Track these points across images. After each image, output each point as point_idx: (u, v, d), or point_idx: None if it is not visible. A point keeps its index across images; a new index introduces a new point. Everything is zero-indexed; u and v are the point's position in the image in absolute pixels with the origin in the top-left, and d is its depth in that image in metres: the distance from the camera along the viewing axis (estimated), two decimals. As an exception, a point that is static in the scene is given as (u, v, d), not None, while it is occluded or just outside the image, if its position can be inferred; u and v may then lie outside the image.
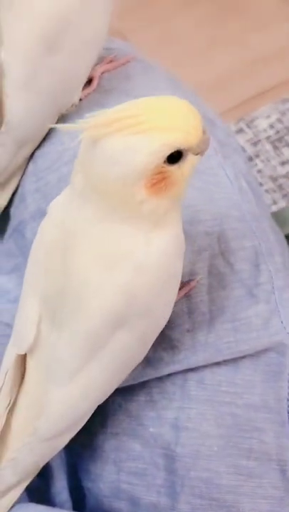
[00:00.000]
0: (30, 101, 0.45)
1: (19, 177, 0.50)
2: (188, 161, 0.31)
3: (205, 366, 0.41)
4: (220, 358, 0.40)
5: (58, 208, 0.35)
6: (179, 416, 0.40)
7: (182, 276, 0.41)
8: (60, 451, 0.39)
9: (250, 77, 1.14)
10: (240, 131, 1.04)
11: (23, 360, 0.37)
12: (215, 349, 0.40)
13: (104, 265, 0.32)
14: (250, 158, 0.99)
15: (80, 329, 0.34)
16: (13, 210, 0.51)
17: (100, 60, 0.49)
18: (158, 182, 0.30)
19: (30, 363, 0.37)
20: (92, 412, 0.38)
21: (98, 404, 0.38)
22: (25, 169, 0.50)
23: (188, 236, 0.42)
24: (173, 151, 0.30)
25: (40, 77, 0.44)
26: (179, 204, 0.34)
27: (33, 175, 0.49)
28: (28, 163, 0.49)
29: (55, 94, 0.46)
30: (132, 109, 0.30)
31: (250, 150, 1.01)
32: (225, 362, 0.41)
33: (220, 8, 1.36)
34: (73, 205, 0.33)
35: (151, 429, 0.41)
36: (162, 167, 0.30)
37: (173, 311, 0.41)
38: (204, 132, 0.31)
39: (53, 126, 0.32)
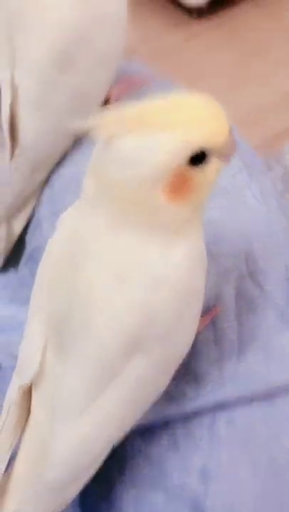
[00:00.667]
0: (43, 123, 0.44)
1: (34, 203, 0.48)
2: (213, 165, 0.28)
3: (235, 403, 0.36)
4: (251, 392, 0.35)
5: (67, 220, 0.31)
6: (207, 462, 0.35)
7: (207, 300, 0.37)
8: (72, 502, 0.34)
9: (275, 115, 1.13)
10: (269, 168, 1.01)
11: (28, 393, 0.33)
12: (245, 381, 0.35)
13: (116, 278, 0.28)
14: (282, 194, 0.96)
15: (89, 354, 0.29)
16: (28, 238, 0.48)
17: (117, 82, 0.47)
18: (179, 186, 0.27)
19: (35, 397, 0.32)
20: (107, 454, 0.33)
21: (113, 445, 0.33)
22: (40, 195, 0.48)
23: (213, 256, 0.38)
24: (197, 150, 0.26)
25: (53, 98, 0.43)
26: (201, 214, 0.30)
27: (49, 199, 0.47)
28: (43, 188, 0.47)
29: (68, 116, 0.44)
30: (151, 106, 0.27)
31: (281, 187, 0.98)
32: (258, 398, 0.36)
33: (242, 52, 1.39)
34: (83, 214, 0.30)
35: (175, 478, 0.36)
36: (184, 169, 0.26)
37: (197, 340, 0.36)
38: (230, 133, 0.28)
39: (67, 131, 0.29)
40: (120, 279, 0.28)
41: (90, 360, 0.30)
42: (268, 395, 0.35)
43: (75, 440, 0.31)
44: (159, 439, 0.37)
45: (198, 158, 0.26)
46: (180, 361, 0.33)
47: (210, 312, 0.37)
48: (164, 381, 0.32)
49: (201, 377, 0.36)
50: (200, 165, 0.27)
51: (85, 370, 0.30)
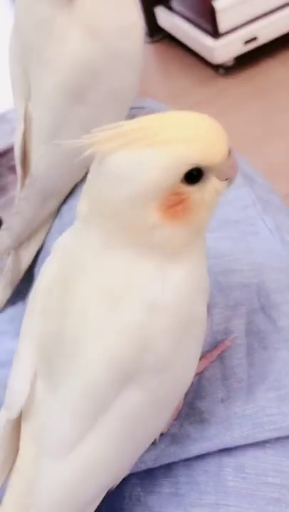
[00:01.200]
0: (54, 154, 0.44)
1: (44, 234, 0.47)
2: (211, 185, 0.26)
3: (245, 449, 0.32)
4: (262, 436, 0.31)
5: (60, 243, 0.30)
6: None
7: (214, 335, 0.35)
8: None
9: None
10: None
11: (19, 426, 0.30)
12: (255, 424, 0.32)
13: (108, 301, 0.26)
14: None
15: (78, 384, 0.27)
16: (37, 270, 0.47)
17: (131, 118, 0.47)
18: (174, 205, 0.25)
19: (24, 431, 0.29)
20: (99, 500, 0.30)
21: (106, 489, 0.29)
22: (50, 226, 0.47)
23: (222, 289, 0.36)
24: (191, 167, 0.25)
25: (64, 130, 0.43)
26: (202, 239, 0.28)
27: (58, 231, 0.46)
28: (53, 220, 0.47)
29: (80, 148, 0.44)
30: (144, 122, 0.26)
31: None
32: (271, 443, 0.32)
33: (267, 107, 1.42)
34: (76, 236, 0.28)
35: None
36: (179, 187, 0.25)
37: (203, 377, 0.34)
38: (230, 153, 0.26)
39: (54, 144, 0.28)
40: (113, 303, 0.26)
41: (78, 390, 0.27)
42: (281, 439, 0.32)
43: (61, 484, 0.28)
44: (160, 487, 0.33)
45: (194, 176, 0.25)
46: (179, 398, 0.30)
47: (217, 347, 0.35)
48: (160, 420, 0.29)
49: (206, 418, 0.33)
50: (196, 183, 0.25)
51: (73, 401, 0.27)
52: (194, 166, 0.25)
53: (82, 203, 0.28)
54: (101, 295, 0.27)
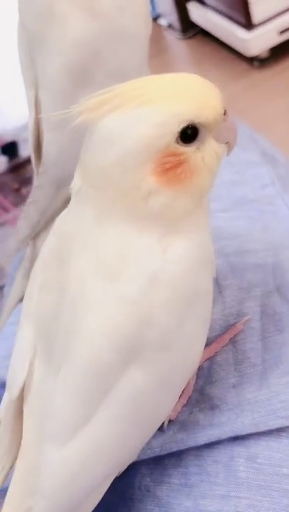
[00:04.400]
0: (64, 139, 0.43)
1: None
2: (210, 146, 0.24)
3: (257, 438, 0.30)
4: (275, 424, 0.29)
5: (58, 221, 0.29)
6: (223, 508, 0.29)
7: (227, 318, 0.33)
8: None
9: None
10: None
11: (21, 408, 0.29)
12: (267, 410, 0.30)
13: (107, 275, 0.25)
14: None
15: (79, 363, 0.26)
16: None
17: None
18: (171, 168, 0.23)
19: (26, 414, 0.28)
20: (106, 487, 0.28)
21: (113, 475, 0.28)
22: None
23: (235, 270, 0.34)
24: (186, 124, 0.23)
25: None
26: (204, 207, 0.27)
27: None
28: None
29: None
30: (133, 83, 0.24)
31: None
32: (286, 432, 0.30)
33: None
34: (72, 212, 0.27)
35: None
36: (174, 147, 0.23)
37: (214, 362, 0.32)
38: (226, 114, 0.25)
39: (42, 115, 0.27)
40: (111, 277, 0.25)
41: (79, 370, 0.26)
42: None
43: (65, 469, 0.26)
44: (170, 477, 0.32)
45: (189, 136, 0.23)
46: (185, 379, 0.28)
47: (229, 331, 0.33)
48: (166, 402, 0.28)
49: (216, 404, 0.31)
50: (193, 143, 0.24)
51: (75, 382, 0.26)
52: (189, 123, 0.23)
53: (75, 177, 0.27)
54: (99, 270, 0.25)
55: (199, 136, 0.24)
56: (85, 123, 0.25)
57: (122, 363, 0.25)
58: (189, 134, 0.23)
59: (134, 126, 0.23)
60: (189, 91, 0.24)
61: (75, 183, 0.26)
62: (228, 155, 0.26)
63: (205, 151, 0.24)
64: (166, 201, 0.24)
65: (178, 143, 0.23)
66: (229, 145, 0.26)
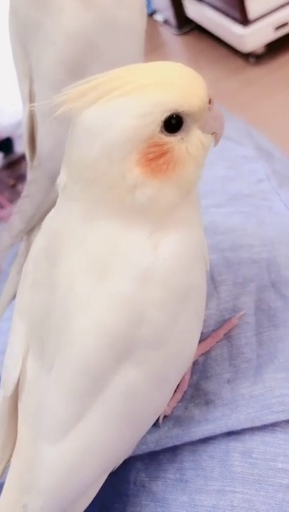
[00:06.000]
0: (57, 133, 0.42)
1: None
2: (195, 136, 0.24)
3: (252, 433, 0.30)
4: (270, 418, 0.29)
5: (48, 218, 0.28)
6: (218, 503, 0.29)
7: (221, 313, 0.33)
8: None
9: None
10: None
11: (16, 405, 0.29)
12: (262, 405, 0.30)
13: (96, 272, 0.25)
14: None
15: (71, 361, 0.25)
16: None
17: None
18: (156, 158, 0.23)
19: (20, 411, 0.28)
20: (101, 482, 0.28)
21: (107, 471, 0.28)
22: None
23: (230, 265, 0.34)
24: (169, 113, 0.23)
25: None
26: (193, 200, 0.26)
27: None
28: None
29: None
30: (115, 72, 0.24)
31: None
32: (280, 427, 0.30)
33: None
34: (59, 209, 0.27)
35: None
36: (159, 137, 0.23)
37: (209, 357, 0.32)
38: (211, 103, 0.24)
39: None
40: (102, 275, 0.25)
41: (72, 368, 0.25)
42: None
43: (60, 466, 0.26)
44: (165, 472, 0.32)
45: (173, 126, 0.23)
46: (180, 375, 0.28)
47: (224, 326, 0.33)
48: (160, 398, 0.28)
49: (211, 399, 0.31)
50: (177, 133, 0.23)
51: (68, 380, 0.26)
52: (172, 112, 0.23)
53: (61, 173, 0.26)
54: (89, 267, 0.25)
55: (184, 126, 0.23)
56: (69, 114, 0.24)
57: (114, 361, 0.25)
58: (173, 124, 0.23)
59: (117, 116, 0.23)
60: (172, 79, 0.23)
61: (61, 179, 0.26)
62: (215, 146, 0.26)
63: (190, 142, 0.24)
64: (151, 193, 0.23)
65: (162, 133, 0.23)
66: (216, 135, 0.25)
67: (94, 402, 0.25)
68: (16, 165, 1.44)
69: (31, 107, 0.43)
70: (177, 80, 0.23)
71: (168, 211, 0.24)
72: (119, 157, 0.23)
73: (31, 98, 0.43)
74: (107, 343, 0.25)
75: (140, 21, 0.41)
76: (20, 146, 1.40)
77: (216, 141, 0.25)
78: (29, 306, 0.28)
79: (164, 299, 0.25)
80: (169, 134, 0.23)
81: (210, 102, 0.24)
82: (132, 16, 0.40)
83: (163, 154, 0.23)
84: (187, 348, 0.27)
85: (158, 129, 0.23)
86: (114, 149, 0.23)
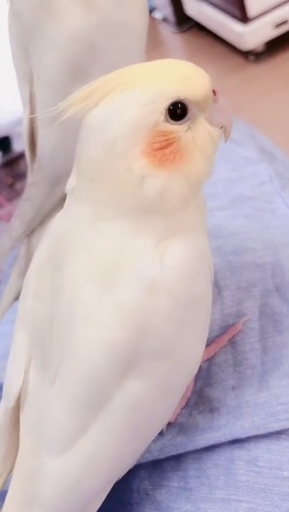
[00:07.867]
0: (58, 136, 0.42)
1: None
2: (202, 126, 0.24)
3: (257, 440, 0.30)
4: (275, 426, 0.29)
5: (53, 223, 0.28)
6: None
7: (225, 318, 0.32)
8: None
9: None
10: None
11: (18, 417, 0.28)
12: (267, 413, 0.29)
13: (101, 281, 0.24)
14: None
15: (75, 372, 0.25)
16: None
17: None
18: (162, 148, 0.22)
19: (22, 423, 0.28)
20: (106, 493, 0.28)
21: (111, 483, 0.28)
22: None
23: (234, 269, 0.34)
24: (172, 100, 0.22)
25: None
26: (200, 203, 0.26)
27: None
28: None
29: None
30: (117, 72, 0.24)
31: None
32: (286, 434, 0.29)
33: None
34: (67, 213, 0.26)
35: None
36: (164, 126, 0.22)
37: (213, 363, 0.31)
38: (216, 94, 0.24)
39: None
40: (107, 284, 0.24)
41: (77, 379, 0.25)
42: None
43: (63, 480, 0.26)
44: (169, 481, 0.31)
45: (178, 114, 0.23)
46: (185, 385, 0.28)
47: (228, 332, 0.32)
48: (165, 409, 0.27)
49: (215, 407, 0.31)
50: (182, 120, 0.23)
51: (73, 392, 0.25)
52: (175, 100, 0.23)
53: (71, 176, 0.26)
54: (93, 274, 0.24)
55: (189, 115, 0.23)
56: (74, 117, 0.24)
57: (119, 373, 0.24)
58: (178, 112, 0.23)
59: (120, 110, 0.22)
60: (174, 70, 0.23)
61: (70, 182, 0.26)
62: (226, 141, 0.25)
63: (196, 131, 0.23)
64: (160, 185, 0.23)
65: (167, 121, 0.22)
66: (226, 129, 0.25)
67: (98, 415, 0.25)
68: (14, 163, 1.43)
69: (33, 111, 0.42)
70: (178, 71, 0.23)
71: (177, 209, 0.24)
72: (124, 149, 0.22)
73: (31, 101, 0.43)
74: (111, 355, 0.24)
75: (142, 23, 0.40)
76: (19, 145, 1.39)
77: (227, 135, 0.25)
78: (32, 315, 0.27)
79: (170, 309, 0.24)
80: (174, 122, 0.23)
81: (215, 93, 0.24)
82: (134, 18, 0.40)
83: (169, 144, 0.23)
84: (193, 358, 0.27)
85: (162, 117, 0.22)
86: (118, 141, 0.22)
